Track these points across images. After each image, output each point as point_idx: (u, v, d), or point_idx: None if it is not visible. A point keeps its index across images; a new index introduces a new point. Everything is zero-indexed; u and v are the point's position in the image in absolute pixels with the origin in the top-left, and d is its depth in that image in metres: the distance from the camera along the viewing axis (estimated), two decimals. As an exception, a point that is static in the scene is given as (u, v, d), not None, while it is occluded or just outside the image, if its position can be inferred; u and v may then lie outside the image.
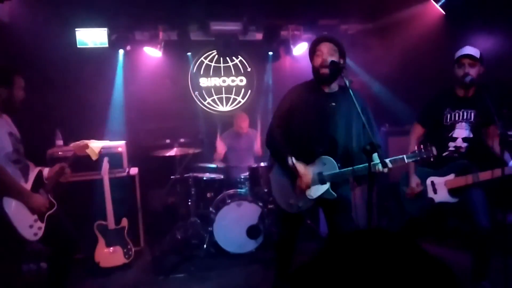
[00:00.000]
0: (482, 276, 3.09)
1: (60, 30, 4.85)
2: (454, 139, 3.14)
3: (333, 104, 2.80)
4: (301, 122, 2.83)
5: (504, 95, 3.42)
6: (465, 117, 3.11)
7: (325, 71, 2.73)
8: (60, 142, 4.36)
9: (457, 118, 3.13)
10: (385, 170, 2.52)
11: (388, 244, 0.77)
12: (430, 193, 3.19)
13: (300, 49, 5.61)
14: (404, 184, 3.30)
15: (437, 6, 5.03)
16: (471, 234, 3.05)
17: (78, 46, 4.96)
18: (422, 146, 2.63)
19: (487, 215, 3.00)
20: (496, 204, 3.47)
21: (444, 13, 5.05)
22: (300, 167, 2.77)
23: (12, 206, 2.71)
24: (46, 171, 3.11)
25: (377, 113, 5.38)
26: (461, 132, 3.12)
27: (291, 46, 5.69)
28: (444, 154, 3.16)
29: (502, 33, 4.31)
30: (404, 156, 2.63)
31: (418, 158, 2.62)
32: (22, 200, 2.76)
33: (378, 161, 2.46)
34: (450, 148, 3.16)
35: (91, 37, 4.98)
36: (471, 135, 3.13)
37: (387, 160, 2.53)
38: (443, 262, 0.76)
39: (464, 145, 3.13)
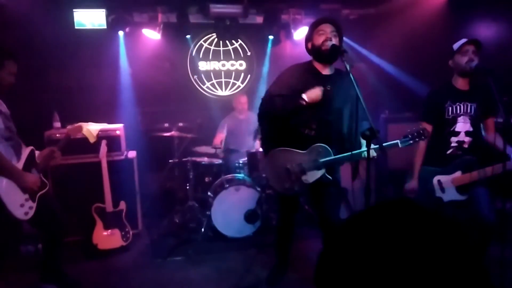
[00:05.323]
0: None
1: (58, 11, 4.78)
2: (457, 134, 3.06)
3: (330, 87, 2.78)
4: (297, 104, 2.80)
5: (506, 82, 3.39)
6: (466, 110, 3.04)
7: (327, 48, 2.69)
8: (57, 124, 4.34)
9: (458, 111, 3.04)
10: (375, 155, 2.54)
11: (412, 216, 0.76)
12: (438, 193, 3.11)
13: (301, 33, 5.54)
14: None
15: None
16: (474, 227, 2.99)
17: (76, 28, 4.89)
18: (414, 129, 2.62)
19: (493, 210, 2.96)
20: (496, 192, 3.47)
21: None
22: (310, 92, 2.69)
23: (3, 185, 2.71)
24: (36, 154, 3.10)
25: (377, 100, 5.40)
26: (463, 126, 3.05)
27: (292, 30, 5.62)
28: (448, 152, 3.09)
29: (505, 20, 4.26)
30: (398, 141, 2.62)
31: (412, 141, 2.61)
32: (13, 179, 2.76)
33: (365, 148, 2.42)
34: (453, 144, 3.08)
35: (89, 18, 4.91)
36: (472, 129, 3.07)
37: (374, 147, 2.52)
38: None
39: (467, 139, 3.06)
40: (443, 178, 3.09)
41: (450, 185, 3.07)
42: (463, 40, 2.99)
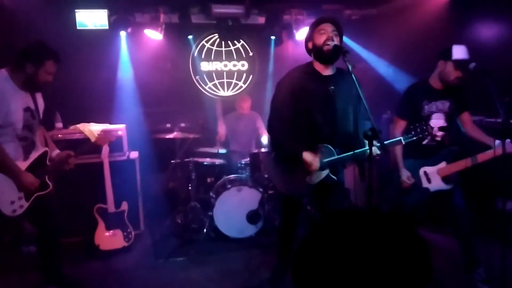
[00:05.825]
0: (475, 264, 3.12)
1: (60, 12, 4.78)
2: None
3: (332, 87, 2.77)
4: (300, 107, 2.79)
5: (507, 83, 3.38)
6: (440, 107, 3.20)
7: (329, 47, 2.68)
8: (60, 124, 4.34)
9: (433, 109, 3.20)
10: (379, 153, 2.56)
11: (383, 224, 0.83)
12: (425, 183, 3.22)
13: (303, 33, 5.53)
14: (397, 177, 3.28)
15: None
16: (450, 219, 3.15)
17: (78, 28, 4.90)
18: (417, 125, 2.69)
19: (463, 198, 3.13)
20: (496, 192, 3.47)
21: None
22: (308, 156, 2.75)
23: None
24: (55, 153, 3.14)
25: (379, 100, 5.38)
26: (437, 122, 3.21)
27: (294, 31, 5.62)
28: (423, 142, 3.22)
29: (506, 20, 4.24)
30: (401, 137, 2.69)
31: (415, 137, 2.68)
32: (10, 176, 2.80)
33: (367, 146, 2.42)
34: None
35: (91, 18, 4.91)
36: (446, 124, 3.23)
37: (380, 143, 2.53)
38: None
39: (440, 133, 3.22)
40: (429, 169, 3.23)
41: (436, 175, 3.19)
42: (461, 55, 3.03)
